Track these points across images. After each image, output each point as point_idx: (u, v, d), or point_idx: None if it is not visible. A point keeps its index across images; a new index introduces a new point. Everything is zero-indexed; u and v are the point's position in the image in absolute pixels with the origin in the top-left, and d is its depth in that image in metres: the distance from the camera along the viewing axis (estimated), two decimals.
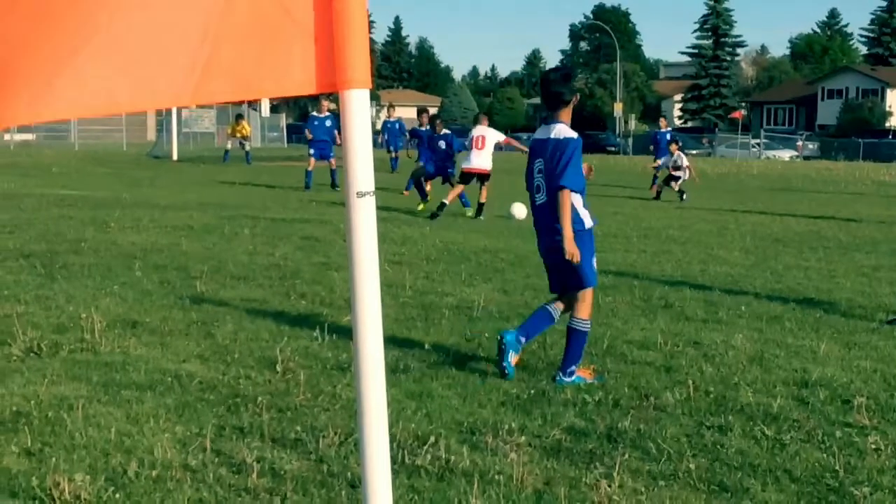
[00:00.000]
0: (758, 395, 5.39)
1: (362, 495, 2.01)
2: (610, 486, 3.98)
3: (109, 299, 7.66)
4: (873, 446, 4.56)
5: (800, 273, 10.26)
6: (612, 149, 60.54)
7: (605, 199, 19.52)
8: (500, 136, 16.18)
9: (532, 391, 5.40)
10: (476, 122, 16.66)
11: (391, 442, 2.37)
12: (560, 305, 5.86)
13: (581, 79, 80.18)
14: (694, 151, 43.89)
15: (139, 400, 5.05)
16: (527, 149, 6.29)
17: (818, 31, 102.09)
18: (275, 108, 62.61)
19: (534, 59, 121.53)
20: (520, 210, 14.66)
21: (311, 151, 21.46)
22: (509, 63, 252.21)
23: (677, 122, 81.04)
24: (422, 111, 21.52)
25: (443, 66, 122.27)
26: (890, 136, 61.05)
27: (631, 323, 7.32)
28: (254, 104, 54.39)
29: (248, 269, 9.39)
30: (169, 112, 37.35)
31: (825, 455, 4.44)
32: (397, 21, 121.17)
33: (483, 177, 15.66)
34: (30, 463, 4.15)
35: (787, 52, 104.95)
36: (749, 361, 6.18)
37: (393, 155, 28.90)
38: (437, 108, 79.70)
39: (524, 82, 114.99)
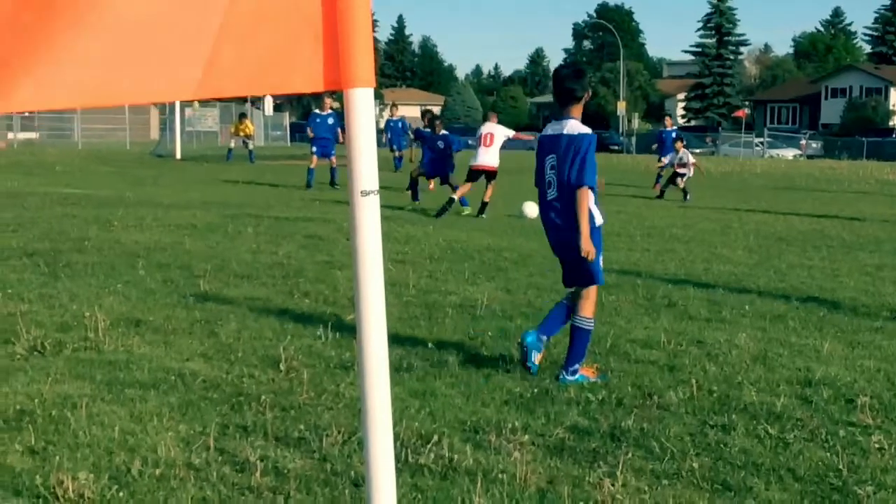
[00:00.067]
0: (761, 394, 5.39)
1: (366, 494, 2.01)
2: (613, 484, 3.98)
3: (113, 298, 7.67)
4: (877, 445, 4.55)
5: (803, 272, 10.25)
6: (616, 147, 60.57)
7: (608, 198, 19.49)
8: (508, 133, 16.14)
9: (535, 390, 5.40)
10: (485, 119, 16.66)
11: (395, 441, 2.37)
12: None
13: None
14: (697, 150, 43.74)
15: (143, 398, 5.06)
16: (532, 137, 6.31)
17: (822, 29, 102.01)
18: (278, 107, 62.64)
19: (537, 57, 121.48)
20: (532, 209, 14.64)
21: (314, 149, 21.46)
22: (513, 62, 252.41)
23: (681, 121, 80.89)
24: (425, 112, 21.53)
25: (446, 64, 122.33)
26: (894, 135, 61.02)
27: (634, 322, 7.31)
28: (257, 103, 54.43)
29: (252, 267, 9.39)
30: (172, 111, 37.37)
31: (829, 454, 4.44)
32: (401, 20, 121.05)
33: (490, 174, 15.66)
34: (33, 461, 4.15)
35: (791, 50, 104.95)
36: (752, 360, 6.18)
37: (396, 154, 28.92)
38: (440, 108, 79.65)
39: (527, 81, 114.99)
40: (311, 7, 1.79)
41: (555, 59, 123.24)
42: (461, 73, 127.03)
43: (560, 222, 5.68)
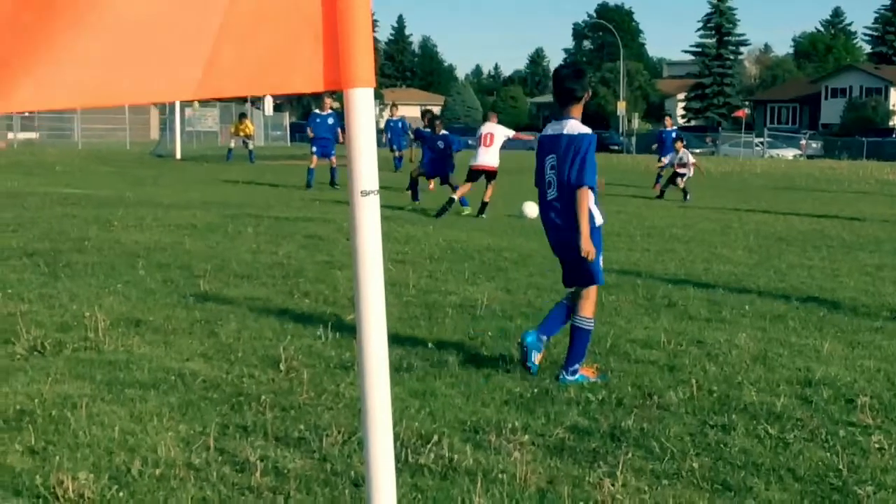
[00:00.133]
0: (761, 394, 5.39)
1: (366, 494, 2.01)
2: (613, 484, 3.98)
3: (113, 298, 7.67)
4: (877, 445, 4.55)
5: (803, 272, 10.25)
6: (616, 147, 60.58)
7: (608, 198, 19.48)
8: (508, 133, 16.14)
9: (535, 390, 5.40)
10: (485, 119, 16.66)
11: (395, 441, 2.37)
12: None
13: None
14: (697, 150, 43.80)
15: (143, 398, 5.06)
16: (532, 137, 6.32)
17: (822, 29, 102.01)
18: (278, 107, 62.64)
19: (537, 57, 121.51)
20: (532, 209, 14.65)
21: (314, 149, 21.46)
22: (513, 62, 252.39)
23: (681, 121, 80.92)
24: (425, 112, 21.53)
25: (446, 64, 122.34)
26: (893, 135, 61.01)
27: (634, 322, 7.31)
28: (257, 103, 54.43)
29: (252, 267, 9.39)
30: (172, 111, 37.38)
31: (829, 454, 4.44)
32: (400, 20, 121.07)
33: (490, 174, 15.67)
34: (33, 461, 4.15)
35: (791, 50, 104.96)
36: (752, 360, 6.18)
37: (396, 154, 28.93)
38: (440, 108, 79.65)
39: (527, 81, 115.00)
40: (311, 7, 1.79)
41: (555, 59, 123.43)
42: (461, 73, 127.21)
43: (560, 222, 5.68)
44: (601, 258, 5.75)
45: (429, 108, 33.78)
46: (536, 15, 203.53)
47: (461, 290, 8.44)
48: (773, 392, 5.45)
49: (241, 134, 34.00)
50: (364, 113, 1.88)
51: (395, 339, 6.16)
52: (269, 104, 53.60)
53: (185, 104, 40.98)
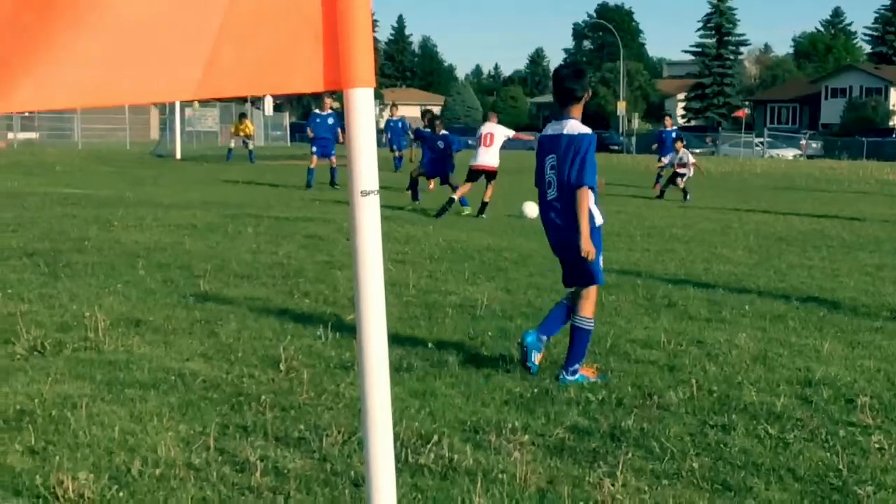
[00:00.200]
0: (761, 394, 5.39)
1: (366, 494, 2.01)
2: (613, 484, 3.98)
3: (113, 298, 7.67)
4: (877, 445, 4.55)
5: (803, 272, 10.25)
6: (616, 147, 60.58)
7: (608, 198, 19.48)
8: (508, 133, 16.14)
9: (535, 390, 5.40)
10: (485, 119, 16.66)
11: (395, 441, 2.37)
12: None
13: None
14: (697, 150, 43.81)
15: (143, 398, 5.06)
16: (532, 137, 6.32)
17: (822, 29, 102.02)
18: (278, 107, 62.64)
19: (537, 57, 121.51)
20: (532, 209, 14.65)
21: (314, 149, 21.46)
22: (513, 62, 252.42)
23: (681, 121, 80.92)
24: (425, 112, 21.53)
25: (446, 64, 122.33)
26: (893, 135, 61.00)
27: (634, 322, 7.31)
28: (257, 103, 54.43)
29: (252, 267, 9.39)
30: (172, 111, 37.38)
31: (829, 454, 4.44)
32: (400, 20, 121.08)
33: (490, 174, 15.67)
34: (33, 461, 4.15)
35: (791, 50, 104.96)
36: (752, 360, 6.18)
37: (396, 154, 28.93)
38: (440, 108, 79.64)
39: (527, 81, 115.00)
40: (311, 7, 1.79)
41: (555, 59, 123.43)
42: (461, 73, 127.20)
43: (560, 222, 5.68)
44: (601, 258, 5.75)
45: (429, 108, 33.77)
46: (536, 15, 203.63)
47: (461, 290, 8.44)
48: (773, 392, 5.45)
49: (241, 134, 34.00)
50: (364, 113, 1.88)
51: (395, 339, 6.16)
52: (269, 104, 53.59)
53: (185, 104, 40.98)
